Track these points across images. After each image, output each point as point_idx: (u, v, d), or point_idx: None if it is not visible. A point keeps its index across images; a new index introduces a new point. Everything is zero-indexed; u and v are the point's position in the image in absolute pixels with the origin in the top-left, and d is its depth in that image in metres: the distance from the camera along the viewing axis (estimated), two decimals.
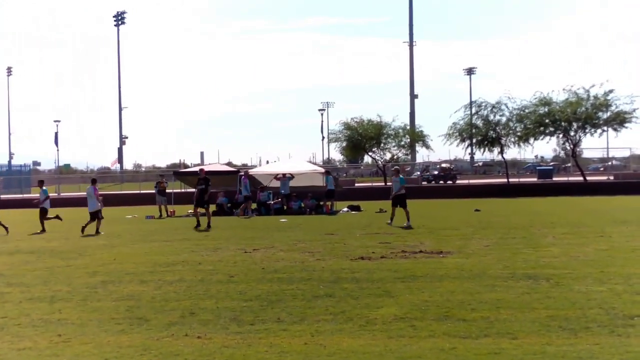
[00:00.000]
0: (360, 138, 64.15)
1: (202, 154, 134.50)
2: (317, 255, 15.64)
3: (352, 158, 77.68)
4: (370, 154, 67.28)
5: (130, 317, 9.41)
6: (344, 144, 66.06)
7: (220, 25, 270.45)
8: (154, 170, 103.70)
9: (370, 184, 64.00)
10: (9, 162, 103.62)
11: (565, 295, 10.12)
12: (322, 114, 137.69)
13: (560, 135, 58.02)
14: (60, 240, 21.27)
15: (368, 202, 41.45)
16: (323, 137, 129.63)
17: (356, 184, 61.98)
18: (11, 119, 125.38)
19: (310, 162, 62.91)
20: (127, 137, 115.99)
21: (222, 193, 37.58)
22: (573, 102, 54.56)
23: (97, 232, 23.48)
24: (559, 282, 11.22)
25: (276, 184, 36.22)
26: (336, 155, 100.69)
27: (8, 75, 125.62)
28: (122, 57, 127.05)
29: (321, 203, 34.71)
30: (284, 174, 35.49)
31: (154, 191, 38.35)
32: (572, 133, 56.22)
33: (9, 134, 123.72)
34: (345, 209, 35.53)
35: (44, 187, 27.85)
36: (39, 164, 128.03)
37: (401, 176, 26.21)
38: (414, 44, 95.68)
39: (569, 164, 71.84)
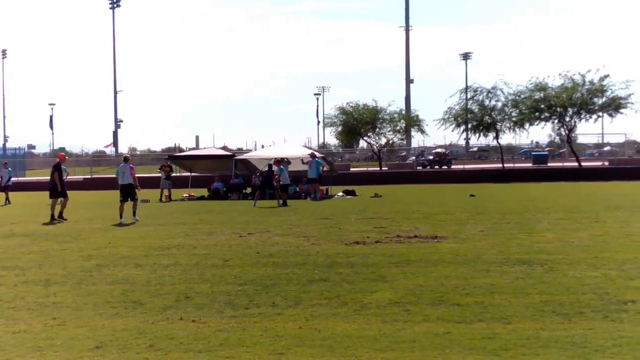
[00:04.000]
0: (356, 123, 64.20)
1: (197, 137, 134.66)
2: (312, 240, 15.66)
3: (347, 143, 77.69)
4: (365, 138, 67.42)
5: (125, 301, 9.42)
6: (340, 128, 66.10)
7: (216, 10, 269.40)
8: (149, 154, 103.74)
9: (365, 169, 64.06)
10: (4, 145, 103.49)
11: (560, 281, 10.15)
12: (317, 99, 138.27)
13: (556, 121, 58.14)
14: (55, 224, 21.25)
15: (363, 186, 41.48)
16: (318, 122, 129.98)
17: (351, 169, 62.04)
18: (5, 102, 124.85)
19: (305, 146, 62.78)
20: (122, 121, 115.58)
21: (218, 177, 37.60)
22: (569, 87, 54.58)
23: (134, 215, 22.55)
24: (553, 267, 11.25)
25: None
26: (331, 139, 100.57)
27: (2, 58, 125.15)
28: (117, 40, 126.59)
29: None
30: (282, 159, 35.42)
31: (156, 175, 38.39)
32: (567, 118, 56.30)
33: (4, 117, 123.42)
34: (341, 194, 35.55)
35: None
36: (33, 147, 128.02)
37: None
38: (410, 28, 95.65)
39: (564, 150, 71.99)
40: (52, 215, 22.86)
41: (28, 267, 12.67)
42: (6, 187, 34.28)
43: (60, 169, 24.28)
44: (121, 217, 21.87)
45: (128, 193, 22.93)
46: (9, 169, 36.39)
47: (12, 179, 36.91)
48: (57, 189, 23.69)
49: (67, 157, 27.80)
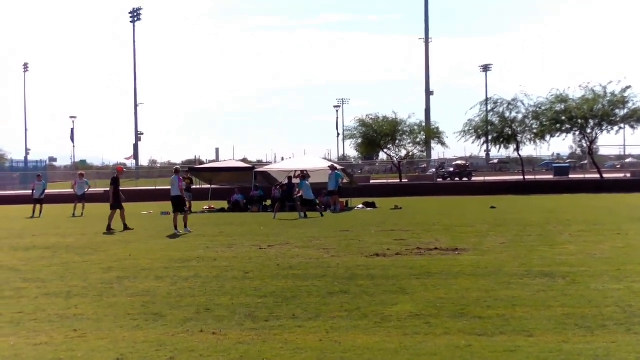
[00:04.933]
0: (376, 135, 64.08)
1: (217, 150, 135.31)
2: (332, 252, 15.64)
3: (367, 155, 77.66)
4: (385, 150, 67.20)
5: (145, 313, 9.43)
6: (359, 140, 66.00)
7: (235, 22, 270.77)
8: (169, 166, 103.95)
9: (385, 181, 63.96)
10: (26, 158, 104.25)
11: (582, 293, 10.06)
12: (337, 111, 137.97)
13: (577, 133, 57.69)
14: (76, 236, 21.36)
15: (383, 199, 41.40)
16: (338, 134, 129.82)
17: (371, 181, 61.96)
18: (27, 116, 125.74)
19: (325, 158, 62.83)
20: (142, 133, 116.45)
21: (238, 190, 37.65)
22: (590, 99, 54.21)
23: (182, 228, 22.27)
24: (575, 280, 11.16)
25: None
26: (351, 152, 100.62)
27: (24, 72, 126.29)
28: (137, 53, 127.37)
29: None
30: (301, 172, 35.41)
31: (169, 187, 38.47)
32: (588, 130, 55.91)
33: (25, 130, 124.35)
34: (361, 206, 35.47)
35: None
36: (55, 160, 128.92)
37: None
38: (429, 40, 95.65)
39: (586, 162, 71.56)
40: (109, 226, 23.46)
41: (49, 279, 12.72)
42: (40, 199, 34.39)
43: (118, 181, 24.71)
44: (176, 228, 21.92)
45: (177, 205, 22.63)
46: (43, 181, 36.50)
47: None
48: (118, 200, 24.11)
49: (124, 170, 28.28)
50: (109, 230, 22.98)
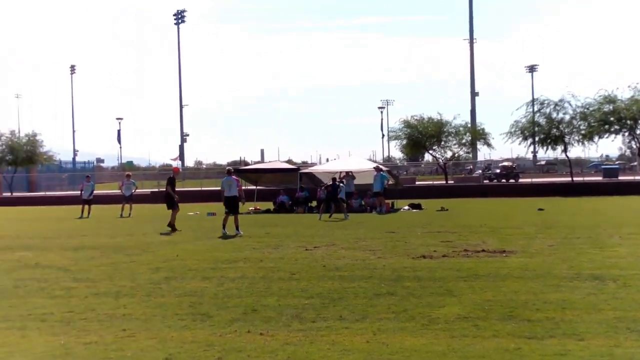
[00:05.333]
0: (421, 136, 63.67)
1: (262, 151, 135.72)
2: (379, 254, 15.59)
3: (412, 156, 77.22)
4: (430, 152, 66.81)
5: (193, 313, 9.49)
6: (404, 141, 65.62)
7: (279, 24, 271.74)
8: (215, 167, 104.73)
9: (431, 182, 63.62)
10: (74, 159, 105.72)
11: (633, 297, 9.90)
12: (381, 112, 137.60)
13: (626, 134, 56.77)
14: (124, 237, 21.58)
15: (429, 200, 41.15)
16: (383, 135, 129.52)
17: (417, 182, 61.69)
18: (75, 117, 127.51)
19: (370, 160, 62.68)
20: (188, 135, 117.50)
21: (283, 191, 37.75)
22: (639, 99, 53.32)
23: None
24: (627, 283, 10.98)
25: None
26: (396, 153, 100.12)
27: (72, 74, 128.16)
28: (182, 55, 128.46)
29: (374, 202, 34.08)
30: (346, 173, 35.41)
31: (218, 188, 38.65)
32: (638, 131, 54.99)
33: (73, 131, 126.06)
34: (406, 207, 35.32)
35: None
36: (102, 161, 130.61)
37: None
38: (474, 41, 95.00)
39: (635, 163, 70.42)
40: (172, 225, 23.54)
41: (98, 279, 12.87)
42: (88, 200, 34.77)
43: (174, 182, 24.82)
44: (224, 228, 21.93)
45: (232, 206, 22.44)
46: (91, 182, 36.89)
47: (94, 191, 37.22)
48: (173, 199, 24.25)
49: (180, 170, 28.45)
50: (173, 229, 23.18)
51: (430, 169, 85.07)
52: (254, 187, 43.02)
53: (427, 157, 76.85)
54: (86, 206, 34.22)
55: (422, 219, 27.05)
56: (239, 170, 44.81)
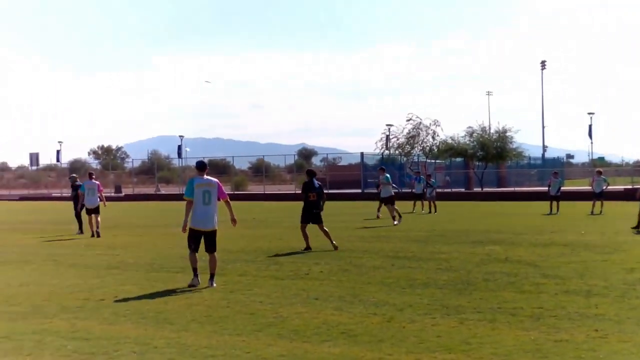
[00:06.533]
0: None
1: None
2: None
3: None
4: None
5: None
6: None
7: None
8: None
9: None
10: (543, 154, 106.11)
11: None
12: None
13: None
14: (595, 234, 20.94)
15: None
16: None
17: None
18: (545, 112, 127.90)
19: None
20: None
21: None
22: None
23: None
24: None
25: None
26: None
27: (542, 69, 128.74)
28: None
29: None
30: None
31: None
32: None
33: (543, 127, 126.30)
34: None
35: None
36: (572, 156, 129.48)
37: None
38: None
39: None
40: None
41: (568, 276, 12.65)
42: (556, 196, 34.57)
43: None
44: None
45: None
46: (559, 178, 36.87)
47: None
48: None
49: None
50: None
51: None
52: None
53: None
54: (554, 202, 33.85)
55: None
56: None
